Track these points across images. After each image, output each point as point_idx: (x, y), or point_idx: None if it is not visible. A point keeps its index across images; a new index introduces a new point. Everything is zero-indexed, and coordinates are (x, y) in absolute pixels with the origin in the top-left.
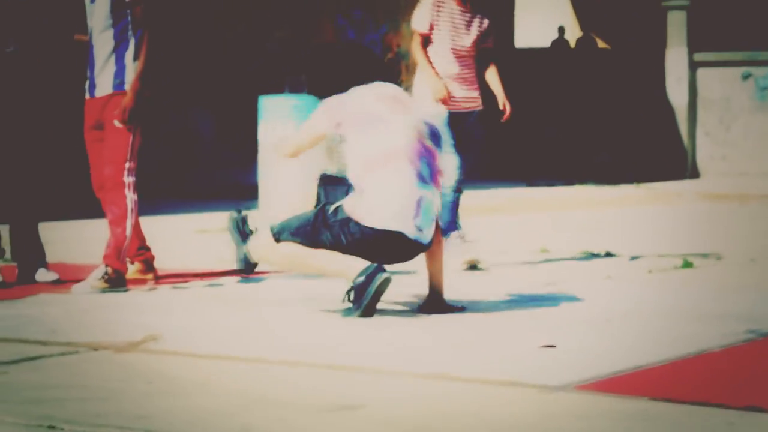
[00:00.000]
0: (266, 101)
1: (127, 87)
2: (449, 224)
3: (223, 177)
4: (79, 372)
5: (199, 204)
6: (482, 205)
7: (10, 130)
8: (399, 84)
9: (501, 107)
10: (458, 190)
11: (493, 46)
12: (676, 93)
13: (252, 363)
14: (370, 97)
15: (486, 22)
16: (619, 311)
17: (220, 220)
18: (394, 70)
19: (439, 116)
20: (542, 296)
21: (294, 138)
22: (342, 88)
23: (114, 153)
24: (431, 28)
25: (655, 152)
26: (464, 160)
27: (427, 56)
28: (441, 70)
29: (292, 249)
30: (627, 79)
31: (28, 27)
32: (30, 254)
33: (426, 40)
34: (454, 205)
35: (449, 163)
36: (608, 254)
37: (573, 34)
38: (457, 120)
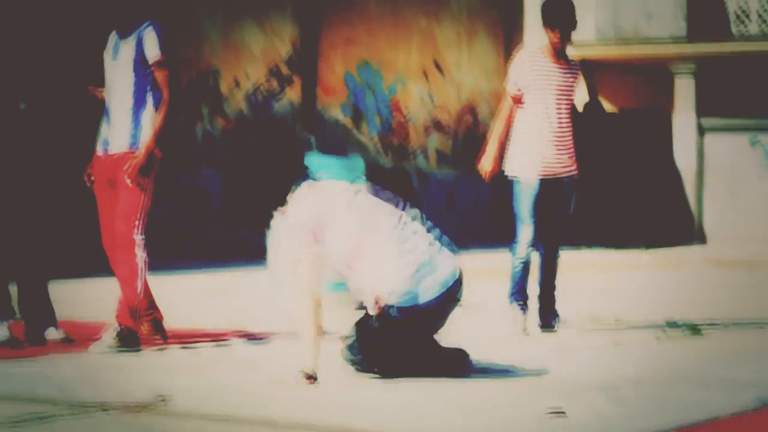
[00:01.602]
0: None
1: (141, 146)
2: (516, 294)
3: (232, 236)
4: None
5: (208, 263)
6: (488, 268)
7: (20, 188)
8: None
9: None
10: (551, 256)
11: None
12: (684, 158)
13: (261, 425)
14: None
15: (577, 73)
16: (627, 377)
17: (228, 279)
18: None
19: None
20: (550, 361)
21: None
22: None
23: (126, 210)
24: (526, 88)
25: (662, 217)
26: (557, 227)
27: (507, 125)
28: (536, 133)
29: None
30: (634, 143)
31: (38, 85)
32: (39, 313)
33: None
34: (525, 274)
35: (525, 233)
36: (616, 320)
37: (581, 99)
38: (550, 186)
